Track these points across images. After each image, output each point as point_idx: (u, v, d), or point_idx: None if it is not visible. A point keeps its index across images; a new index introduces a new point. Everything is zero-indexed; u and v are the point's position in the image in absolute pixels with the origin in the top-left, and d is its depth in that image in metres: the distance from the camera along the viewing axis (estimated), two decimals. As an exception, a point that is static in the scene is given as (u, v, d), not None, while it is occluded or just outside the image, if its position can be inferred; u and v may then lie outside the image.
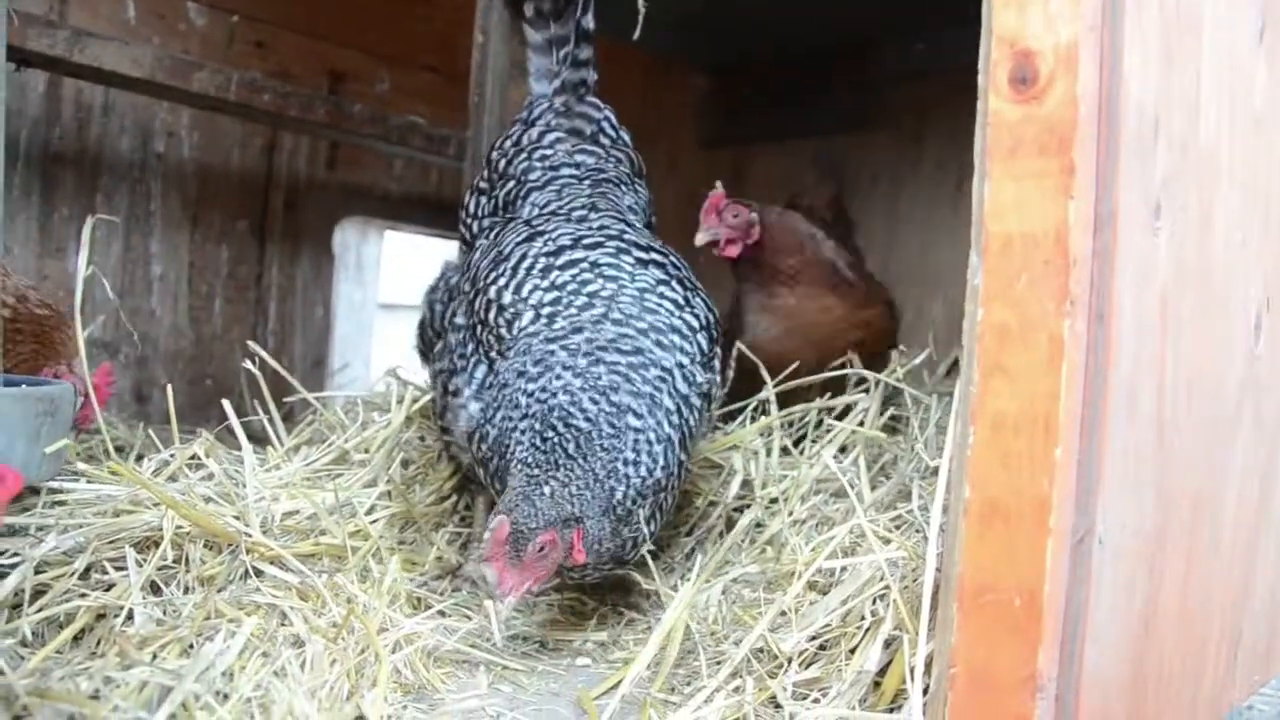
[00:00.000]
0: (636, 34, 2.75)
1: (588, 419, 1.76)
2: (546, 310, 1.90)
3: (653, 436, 1.79)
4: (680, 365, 1.89)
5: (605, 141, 2.35)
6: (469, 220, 2.39)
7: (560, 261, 1.96)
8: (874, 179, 4.15)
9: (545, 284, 1.93)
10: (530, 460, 1.77)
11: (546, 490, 1.73)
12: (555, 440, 1.76)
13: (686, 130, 4.53)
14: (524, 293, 1.94)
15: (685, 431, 1.86)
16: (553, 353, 1.83)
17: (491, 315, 1.95)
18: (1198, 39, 1.51)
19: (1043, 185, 1.27)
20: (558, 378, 1.79)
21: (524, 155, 2.30)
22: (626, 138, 2.40)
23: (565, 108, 2.35)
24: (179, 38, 3.99)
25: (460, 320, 2.06)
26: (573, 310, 1.89)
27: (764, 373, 2.61)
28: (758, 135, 4.39)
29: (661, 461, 1.80)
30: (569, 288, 1.92)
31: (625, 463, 1.77)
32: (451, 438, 2.11)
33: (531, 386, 1.80)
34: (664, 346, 1.88)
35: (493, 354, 1.94)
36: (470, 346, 2.00)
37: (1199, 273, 1.56)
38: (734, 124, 4.45)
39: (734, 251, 2.99)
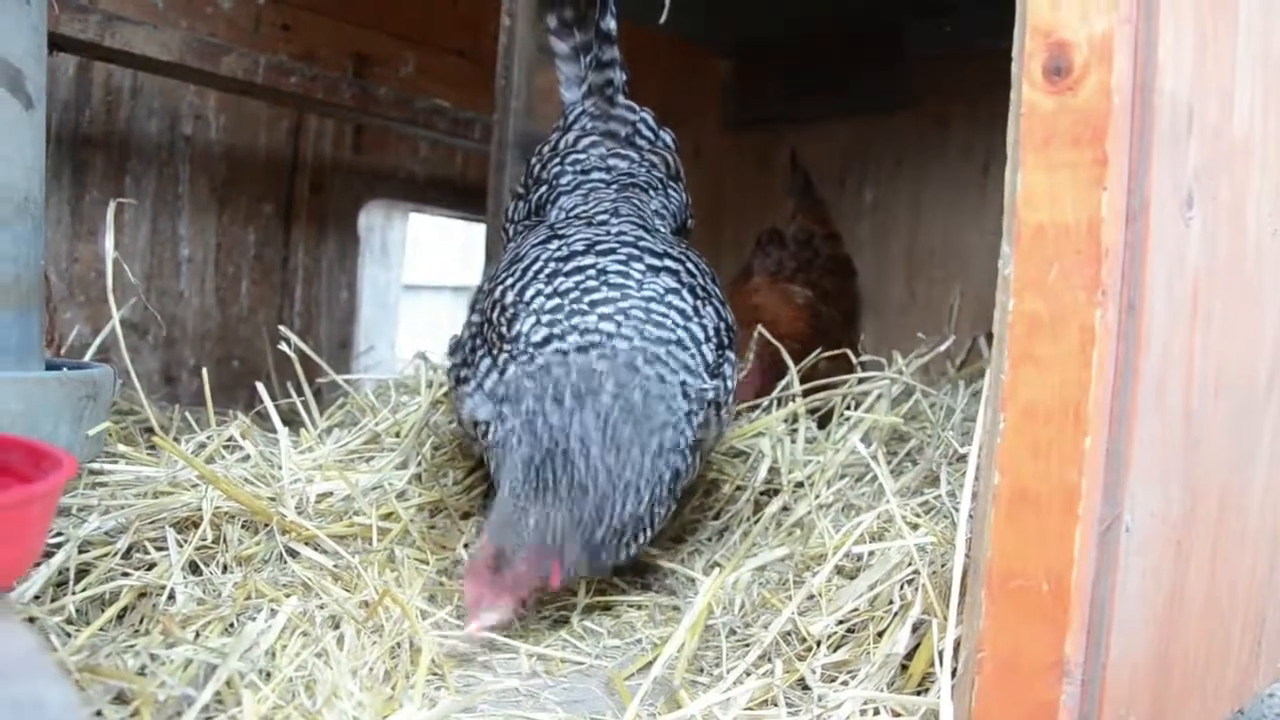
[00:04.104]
0: (663, 18, 2.76)
1: (589, 469, 1.78)
2: (546, 317, 1.90)
3: (643, 483, 1.82)
4: (684, 384, 1.89)
5: (642, 144, 2.35)
6: (507, 225, 2.41)
7: (568, 267, 1.96)
8: (898, 162, 4.14)
9: (549, 289, 1.93)
10: (520, 489, 1.80)
11: (531, 521, 1.77)
12: (550, 480, 1.79)
13: (712, 114, 4.53)
14: (526, 296, 1.94)
15: (682, 454, 1.88)
16: (584, 389, 1.82)
17: (495, 314, 1.97)
18: (1233, 28, 1.51)
19: (1076, 176, 1.28)
20: (581, 422, 1.80)
21: (557, 159, 2.31)
22: (667, 139, 2.39)
23: (599, 111, 2.34)
24: (206, 21, 4.02)
25: (475, 318, 2.08)
26: (576, 320, 1.88)
27: (786, 358, 2.63)
28: (784, 118, 4.39)
29: (646, 500, 1.83)
30: (571, 295, 1.91)
31: (611, 510, 1.80)
32: (461, 429, 2.13)
33: (556, 420, 1.80)
34: (670, 369, 1.89)
35: (495, 351, 1.95)
36: (479, 341, 2.01)
37: (1230, 263, 1.56)
38: (759, 107, 4.44)
39: None
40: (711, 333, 1.97)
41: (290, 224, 4.49)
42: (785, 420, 2.49)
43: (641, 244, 2.02)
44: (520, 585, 1.77)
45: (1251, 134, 1.58)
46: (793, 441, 2.43)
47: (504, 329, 1.94)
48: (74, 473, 1.14)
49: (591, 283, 1.93)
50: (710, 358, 1.95)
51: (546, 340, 1.88)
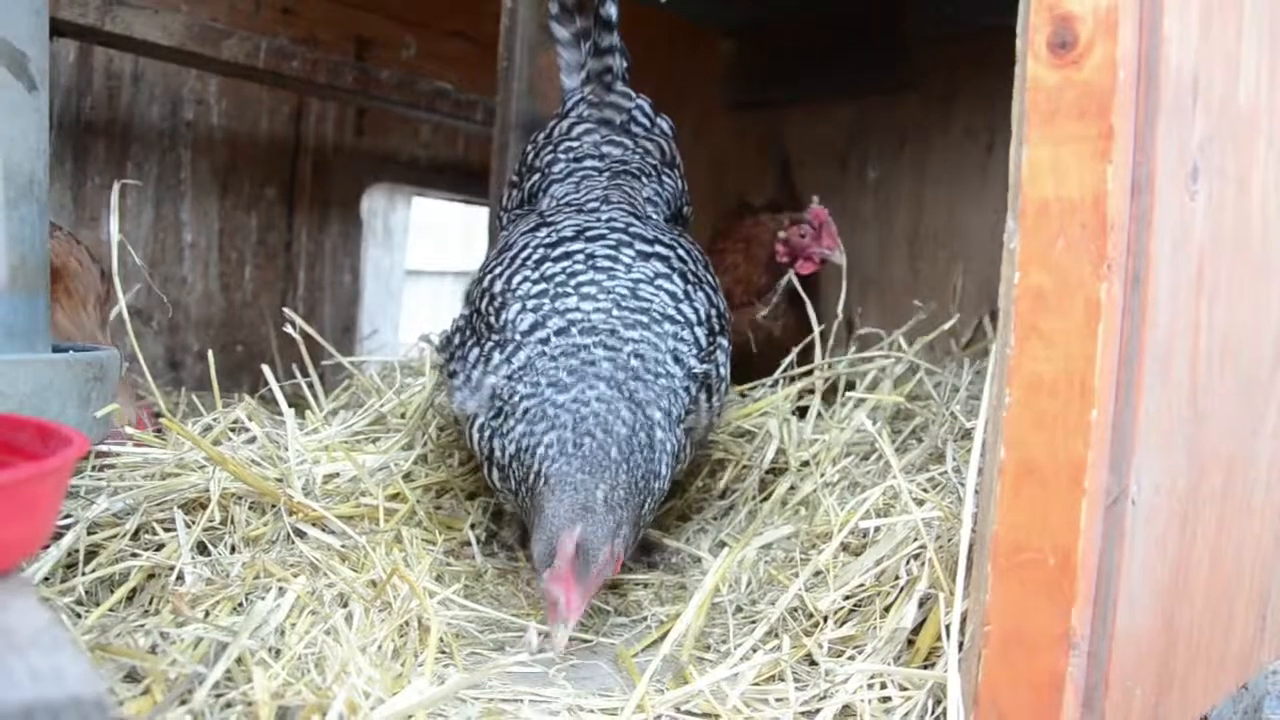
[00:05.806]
0: (665, -1, 2.75)
1: (625, 424, 1.74)
2: (532, 303, 1.87)
3: (670, 448, 1.79)
4: (675, 350, 1.87)
5: (637, 131, 2.34)
6: (501, 213, 2.41)
7: (556, 254, 1.94)
8: (901, 142, 4.12)
9: (535, 275, 1.91)
10: (569, 470, 1.70)
11: (599, 495, 1.67)
12: (595, 445, 1.71)
13: (715, 94, 4.50)
14: (514, 283, 1.92)
15: (681, 428, 1.86)
16: (589, 363, 1.79)
17: (484, 304, 1.95)
18: None
19: (1081, 150, 1.27)
20: (591, 387, 1.76)
21: (551, 147, 2.30)
22: (664, 126, 2.38)
23: (596, 98, 2.33)
24: (207, 5, 4.00)
25: (465, 309, 2.07)
26: (559, 302, 1.86)
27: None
28: (787, 98, 4.37)
29: (669, 475, 1.81)
30: (557, 279, 1.90)
31: (655, 476, 1.76)
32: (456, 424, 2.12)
33: (562, 398, 1.75)
34: (657, 335, 1.86)
35: (482, 341, 1.93)
36: (467, 333, 2.00)
37: (1236, 235, 1.56)
38: (763, 87, 4.42)
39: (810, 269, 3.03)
40: (703, 317, 1.95)
41: (293, 208, 4.48)
42: (789, 398, 2.49)
43: (632, 230, 2.00)
44: (601, 577, 1.68)
45: (1258, 106, 1.58)
46: (799, 420, 2.43)
47: (492, 318, 1.92)
48: (84, 450, 1.14)
49: (579, 267, 1.91)
50: (703, 340, 1.93)
51: (532, 329, 1.85)
